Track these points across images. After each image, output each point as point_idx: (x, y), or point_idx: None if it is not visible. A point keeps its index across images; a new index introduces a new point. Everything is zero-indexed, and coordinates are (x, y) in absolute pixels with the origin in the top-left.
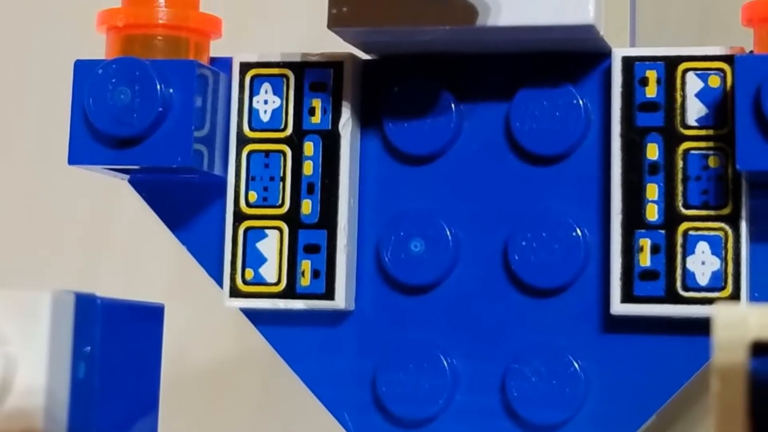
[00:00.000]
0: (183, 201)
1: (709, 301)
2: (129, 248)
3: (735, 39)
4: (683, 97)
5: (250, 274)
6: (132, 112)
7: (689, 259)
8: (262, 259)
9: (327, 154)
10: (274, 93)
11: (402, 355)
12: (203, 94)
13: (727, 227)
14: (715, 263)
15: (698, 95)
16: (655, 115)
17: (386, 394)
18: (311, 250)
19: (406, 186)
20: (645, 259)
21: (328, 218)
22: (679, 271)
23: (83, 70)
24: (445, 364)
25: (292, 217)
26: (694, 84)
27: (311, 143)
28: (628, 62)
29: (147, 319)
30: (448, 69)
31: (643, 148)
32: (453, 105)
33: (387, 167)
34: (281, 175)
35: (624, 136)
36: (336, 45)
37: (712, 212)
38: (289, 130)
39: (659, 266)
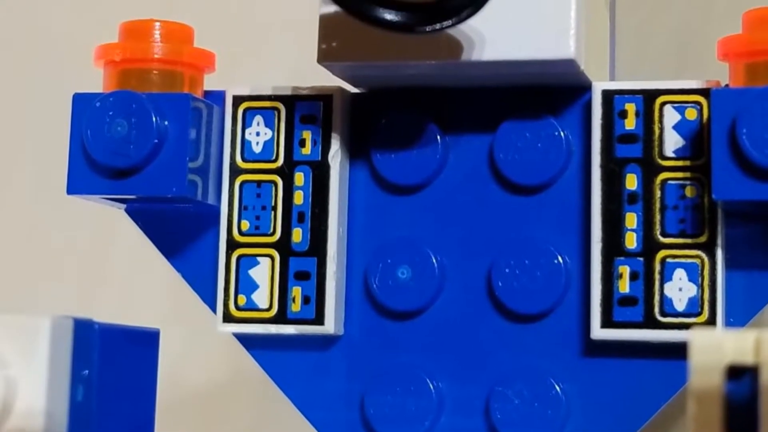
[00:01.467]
0: (178, 229)
1: (686, 327)
2: (126, 275)
3: (711, 73)
4: (661, 129)
5: (242, 300)
6: (129, 143)
7: (667, 286)
8: (254, 286)
9: (317, 184)
10: (266, 125)
11: (389, 378)
12: (197, 126)
13: (703, 255)
14: (691, 290)
15: (675, 127)
16: (634, 147)
17: (374, 415)
18: (302, 277)
19: (393, 215)
20: (624, 286)
21: (318, 246)
22: (657, 297)
23: (81, 103)
24: (431, 387)
25: (283, 245)
26: (671, 116)
27: (302, 174)
28: (608, 95)
29: (143, 344)
30: (434, 102)
31: (622, 179)
32: (438, 137)
33: (375, 197)
34: (273, 204)
35: (604, 166)
36: (326, 78)
37: (689, 240)
38: (281, 161)
39: (638, 292)
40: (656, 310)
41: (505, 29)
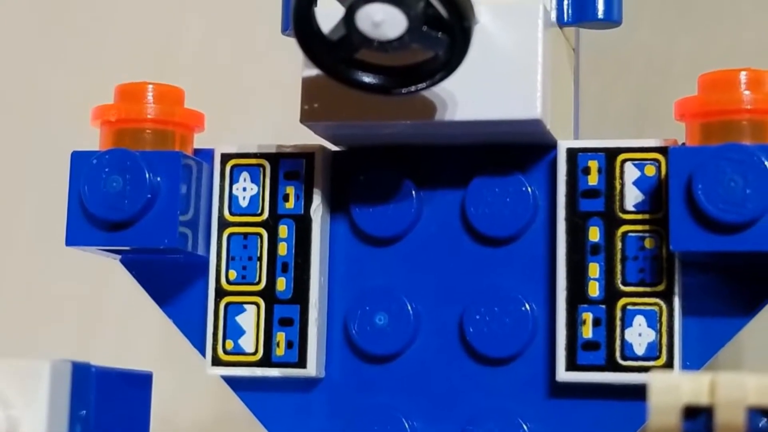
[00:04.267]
0: (169, 279)
1: (645, 369)
2: (121, 321)
3: (669, 132)
4: (622, 184)
5: (230, 344)
6: (123, 198)
7: (627, 332)
8: (241, 332)
9: (300, 236)
10: (252, 181)
11: (367, 418)
12: (188, 182)
13: (661, 302)
14: (650, 335)
15: (635, 183)
16: (597, 201)
17: None
18: (285, 323)
19: (371, 265)
20: (587, 331)
21: (300, 294)
22: (618, 342)
23: (79, 160)
24: (407, 426)
25: (268, 294)
26: (631, 173)
27: (285, 226)
28: (572, 153)
29: (137, 386)
30: (410, 159)
31: (585, 231)
32: (414, 192)
33: (354, 248)
34: (258, 255)
35: (568, 220)
36: (308, 137)
37: (648, 289)
38: (266, 215)
39: (600, 338)
40: (617, 354)
41: (476, 91)
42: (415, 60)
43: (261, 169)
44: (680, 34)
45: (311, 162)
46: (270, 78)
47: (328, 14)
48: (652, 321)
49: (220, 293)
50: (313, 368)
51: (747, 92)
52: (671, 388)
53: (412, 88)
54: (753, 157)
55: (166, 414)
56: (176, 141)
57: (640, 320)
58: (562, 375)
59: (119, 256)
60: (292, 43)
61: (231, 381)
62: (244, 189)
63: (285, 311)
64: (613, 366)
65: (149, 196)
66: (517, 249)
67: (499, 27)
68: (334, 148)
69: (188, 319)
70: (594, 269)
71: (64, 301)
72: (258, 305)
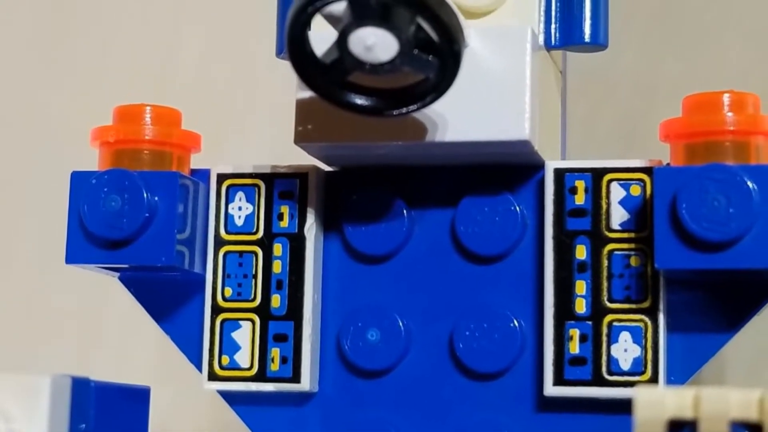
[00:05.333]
0: (167, 296)
1: (631, 384)
2: (119, 337)
3: (654, 153)
4: (608, 204)
5: (226, 360)
6: (122, 217)
7: (613, 347)
8: (236, 347)
9: (294, 254)
10: (247, 200)
11: None
12: (185, 201)
13: (646, 319)
14: (636, 351)
15: (621, 202)
16: (583, 220)
17: None
18: (280, 339)
19: (363, 282)
20: (574, 347)
21: (294, 311)
22: (604, 358)
23: (79, 180)
24: None
25: (263, 310)
26: (617, 192)
27: (280, 245)
28: (560, 173)
29: (135, 400)
30: (401, 179)
31: (572, 249)
32: (405, 211)
33: (347, 266)
34: (253, 272)
35: (556, 238)
36: (302, 158)
37: (633, 306)
38: (261, 234)
39: (587, 353)
40: (604, 369)
41: (466, 113)
42: (407, 82)
43: (256, 189)
44: (665, 57)
45: (305, 182)
46: (265, 100)
47: (321, 38)
48: (638, 337)
49: (216, 310)
50: (306, 383)
51: (730, 114)
52: (656, 403)
53: (404, 110)
54: (736, 177)
55: (163, 428)
56: (173, 161)
57: (625, 336)
58: (550, 389)
59: (118, 274)
60: (286, 66)
61: (227, 395)
62: (240, 208)
63: (279, 327)
64: (599, 381)
65: (147, 215)
66: (505, 267)
67: (488, 50)
68: (327, 168)
69: (185, 335)
70: (581, 286)
71: (64, 318)
72: (253, 321)
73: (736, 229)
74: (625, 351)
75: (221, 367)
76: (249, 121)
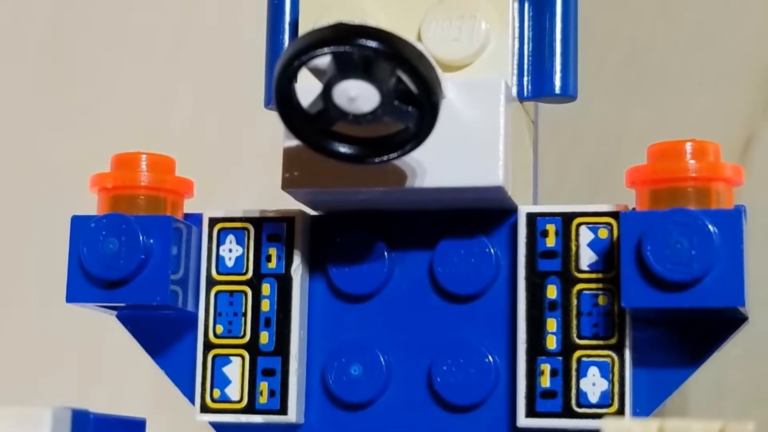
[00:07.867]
0: (161, 333)
1: (599, 416)
2: (117, 372)
3: (620, 198)
4: (577, 246)
5: (217, 393)
6: (119, 259)
7: (582, 381)
8: (227, 381)
9: (281, 293)
10: (237, 243)
11: None
12: (178, 243)
13: (613, 354)
14: (603, 384)
15: (590, 245)
16: (554, 262)
17: None
18: (268, 373)
19: (346, 320)
20: (545, 381)
21: (282, 347)
22: (573, 391)
23: (78, 223)
24: None
25: (252, 346)
26: (586, 235)
27: (268, 285)
28: (532, 217)
29: (132, 431)
30: (382, 223)
31: (544, 289)
32: (386, 253)
33: (331, 304)
34: (243, 311)
35: (528, 278)
36: (289, 202)
37: (601, 342)
38: (250, 274)
39: (557, 387)
40: (573, 402)
41: (444, 160)
42: (387, 132)
43: (246, 232)
44: (631, 106)
45: (292, 225)
46: (254, 148)
47: (307, 90)
48: (605, 371)
49: (208, 346)
50: (293, 415)
51: (692, 161)
52: None
53: (384, 158)
54: (698, 221)
55: None
56: (168, 206)
57: (594, 371)
58: (523, 421)
59: (115, 312)
60: (274, 117)
61: (218, 426)
62: (230, 250)
63: (268, 363)
64: (569, 413)
65: (143, 256)
66: (481, 305)
67: (464, 102)
68: (312, 212)
69: (179, 370)
70: (552, 324)
71: (65, 353)
72: (243, 357)
73: (698, 270)
74: (593, 385)
75: (213, 400)
76: (239, 168)
